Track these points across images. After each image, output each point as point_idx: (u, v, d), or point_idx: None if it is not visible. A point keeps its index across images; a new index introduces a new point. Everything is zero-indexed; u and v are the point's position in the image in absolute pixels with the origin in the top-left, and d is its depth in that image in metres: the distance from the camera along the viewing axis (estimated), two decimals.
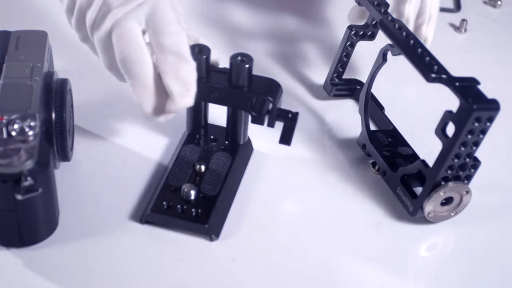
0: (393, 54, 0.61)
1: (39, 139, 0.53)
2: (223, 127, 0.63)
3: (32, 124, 0.53)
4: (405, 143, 0.64)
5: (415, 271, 0.58)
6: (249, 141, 0.64)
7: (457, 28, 0.81)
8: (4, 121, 0.53)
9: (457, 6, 0.84)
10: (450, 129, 0.55)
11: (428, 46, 0.67)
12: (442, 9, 0.83)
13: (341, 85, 0.70)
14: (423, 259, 0.58)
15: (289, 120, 0.58)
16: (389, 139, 0.64)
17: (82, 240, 0.57)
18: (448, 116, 0.55)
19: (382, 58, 0.62)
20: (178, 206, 0.57)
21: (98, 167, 0.63)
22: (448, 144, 0.55)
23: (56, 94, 0.57)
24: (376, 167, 0.63)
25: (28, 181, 0.52)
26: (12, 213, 0.54)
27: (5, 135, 0.53)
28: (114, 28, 0.54)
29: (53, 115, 0.56)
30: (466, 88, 0.55)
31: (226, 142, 0.63)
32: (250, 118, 0.59)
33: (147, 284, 0.54)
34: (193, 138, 0.63)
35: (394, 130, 0.65)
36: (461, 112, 0.54)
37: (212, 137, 0.63)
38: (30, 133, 0.53)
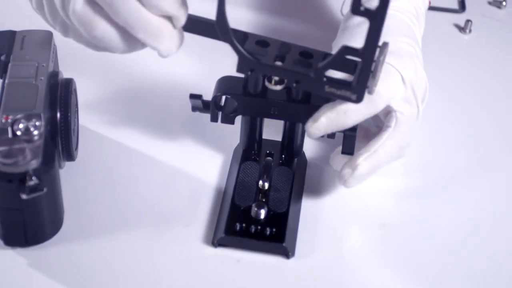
0: None
1: (44, 138, 0.53)
2: (277, 141, 0.62)
3: (37, 123, 0.53)
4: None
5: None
6: (303, 153, 0.63)
7: (461, 29, 0.81)
8: (9, 120, 0.53)
9: (462, 7, 0.84)
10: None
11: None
12: (447, 10, 0.83)
13: None
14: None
15: (349, 130, 0.58)
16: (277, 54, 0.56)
17: (87, 240, 0.57)
18: None
19: None
20: (252, 226, 0.57)
21: (103, 166, 0.63)
22: (377, 16, 0.48)
23: (61, 94, 0.57)
24: (273, 81, 0.55)
25: (33, 181, 0.52)
26: (17, 212, 0.54)
27: (10, 135, 0.53)
28: None
29: (58, 115, 0.57)
30: None
31: (283, 156, 0.62)
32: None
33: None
34: (248, 155, 0.62)
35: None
36: None
37: (267, 151, 0.62)
38: (35, 132, 0.53)
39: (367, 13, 0.48)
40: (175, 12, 0.52)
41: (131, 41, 0.52)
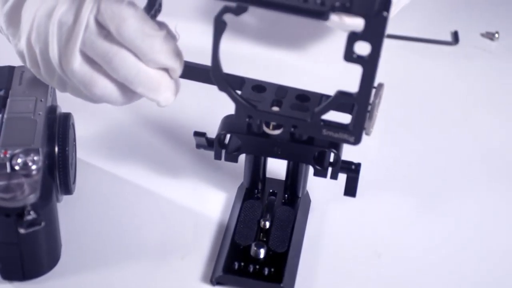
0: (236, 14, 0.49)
1: (42, 173, 0.53)
2: (281, 180, 0.62)
3: (35, 158, 0.53)
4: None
5: None
6: (307, 193, 0.63)
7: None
8: (7, 155, 0.53)
9: (455, 39, 0.85)
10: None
11: None
12: (440, 42, 0.84)
13: None
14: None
15: (352, 172, 0.58)
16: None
17: (84, 274, 0.57)
18: (354, 37, 0.48)
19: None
20: (250, 266, 0.57)
21: (101, 200, 0.63)
22: (369, 62, 0.49)
23: (59, 129, 0.58)
24: (271, 126, 0.56)
25: (31, 215, 0.52)
26: (14, 246, 0.54)
27: (8, 170, 0.53)
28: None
29: (56, 149, 0.57)
30: None
31: (286, 195, 0.62)
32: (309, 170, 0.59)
33: None
34: (252, 193, 0.62)
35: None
36: (371, 26, 0.47)
37: (270, 190, 0.63)
38: (33, 167, 0.53)
39: (359, 60, 0.48)
40: (172, 64, 0.53)
41: (130, 94, 0.53)
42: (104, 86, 0.53)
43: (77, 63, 0.51)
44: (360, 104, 0.51)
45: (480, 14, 0.89)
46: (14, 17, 0.54)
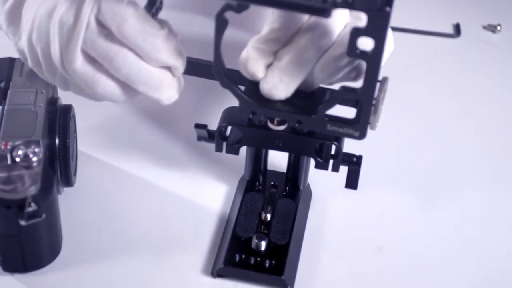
0: (237, 12, 0.49)
1: (42, 165, 0.53)
2: (283, 173, 0.62)
3: (36, 150, 0.53)
4: None
5: None
6: (308, 185, 0.63)
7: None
8: (8, 147, 0.53)
9: (457, 32, 0.85)
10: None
11: None
12: (442, 35, 0.84)
13: None
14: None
15: (354, 164, 0.58)
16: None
17: (85, 266, 0.57)
18: (357, 32, 0.47)
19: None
20: (251, 258, 0.57)
21: (101, 192, 0.63)
22: (373, 58, 0.48)
23: (59, 120, 0.58)
24: (275, 121, 0.56)
25: (32, 207, 0.52)
26: (15, 238, 0.54)
27: (9, 161, 0.53)
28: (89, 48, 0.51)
29: (57, 141, 0.57)
30: None
31: (287, 188, 0.62)
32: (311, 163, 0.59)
33: None
34: (253, 185, 0.62)
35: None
36: (374, 21, 0.46)
37: (272, 183, 0.63)
38: (34, 159, 0.53)
39: (363, 55, 0.48)
40: (174, 63, 0.52)
41: (132, 92, 0.53)
42: (106, 85, 0.52)
43: (79, 63, 0.51)
44: (364, 99, 0.51)
45: (482, 6, 0.89)
46: (14, 16, 0.54)
